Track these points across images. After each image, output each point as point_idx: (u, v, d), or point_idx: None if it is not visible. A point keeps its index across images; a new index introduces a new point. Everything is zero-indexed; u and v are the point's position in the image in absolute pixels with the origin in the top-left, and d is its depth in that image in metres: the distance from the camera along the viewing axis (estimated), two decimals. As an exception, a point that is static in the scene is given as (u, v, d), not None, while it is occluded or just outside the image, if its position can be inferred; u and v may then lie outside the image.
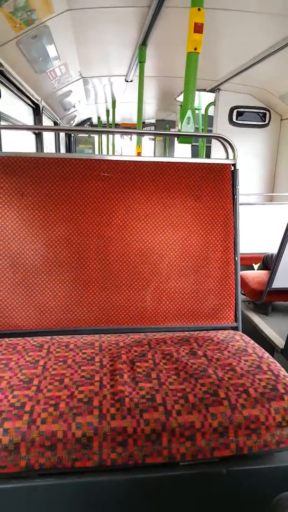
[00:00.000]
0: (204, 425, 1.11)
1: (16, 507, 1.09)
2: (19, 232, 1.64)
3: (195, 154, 7.32)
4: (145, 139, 9.71)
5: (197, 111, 5.68)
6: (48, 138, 6.11)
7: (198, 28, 1.95)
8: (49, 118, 5.45)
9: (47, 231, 1.66)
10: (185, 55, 2.04)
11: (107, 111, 7.87)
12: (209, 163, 1.76)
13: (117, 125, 8.88)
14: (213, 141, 4.87)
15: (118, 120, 8.62)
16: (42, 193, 1.65)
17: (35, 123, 4.33)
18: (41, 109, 4.28)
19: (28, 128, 3.73)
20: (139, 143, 4.55)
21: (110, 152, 9.55)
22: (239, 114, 4.66)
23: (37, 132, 4.50)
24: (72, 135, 9.48)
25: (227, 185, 1.77)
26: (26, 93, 3.56)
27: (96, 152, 10.14)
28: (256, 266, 3.88)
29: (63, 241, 1.67)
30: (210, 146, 5.04)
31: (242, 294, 2.89)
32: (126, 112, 7.95)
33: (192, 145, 6.74)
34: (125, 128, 9.38)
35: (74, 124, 8.34)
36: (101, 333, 1.64)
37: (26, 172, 1.63)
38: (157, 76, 4.51)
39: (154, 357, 1.40)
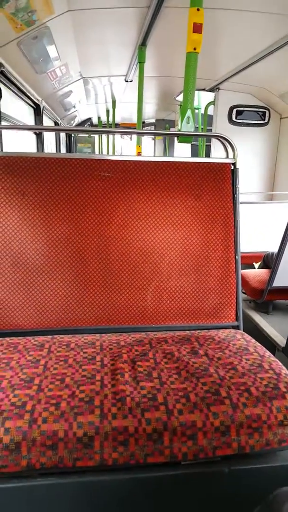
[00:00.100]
0: (206, 424, 1.11)
1: (17, 506, 1.09)
2: (20, 232, 1.64)
3: (195, 153, 7.33)
4: (145, 139, 9.71)
5: (196, 111, 5.68)
6: (49, 138, 6.12)
7: (197, 28, 1.96)
8: (49, 118, 5.46)
9: (48, 230, 1.66)
10: (184, 55, 2.05)
11: (107, 111, 7.88)
12: (209, 162, 1.76)
13: (117, 125, 8.89)
14: (213, 140, 4.87)
15: (118, 120, 8.63)
16: (43, 192, 1.65)
17: (35, 123, 4.34)
18: (41, 109, 4.29)
19: (29, 128, 3.74)
20: (139, 143, 4.55)
21: (110, 152, 9.56)
22: (239, 113, 4.66)
23: (37, 132, 4.50)
24: (73, 135, 9.50)
25: (227, 184, 1.77)
26: (27, 93, 3.56)
27: (97, 152, 10.15)
28: (256, 265, 3.88)
29: (63, 240, 1.67)
30: (210, 146, 5.04)
31: (243, 293, 2.89)
32: (126, 112, 7.96)
33: (192, 145, 6.75)
34: (125, 128, 9.39)
35: (74, 124, 8.35)
36: (102, 333, 1.64)
37: (27, 172, 1.63)
38: (157, 76, 4.52)
39: (155, 356, 1.40)
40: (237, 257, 1.78)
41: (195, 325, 1.77)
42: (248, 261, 3.84)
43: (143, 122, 8.33)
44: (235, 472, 1.15)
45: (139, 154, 4.48)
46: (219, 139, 1.82)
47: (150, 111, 7.72)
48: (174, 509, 1.17)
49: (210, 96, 4.98)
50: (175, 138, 7.13)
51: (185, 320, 1.77)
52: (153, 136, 9.57)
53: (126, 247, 1.71)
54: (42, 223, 1.65)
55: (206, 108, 5.41)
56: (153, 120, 8.74)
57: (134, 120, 8.42)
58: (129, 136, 10.97)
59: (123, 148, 11.79)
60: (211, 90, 4.64)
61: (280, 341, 2.39)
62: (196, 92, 3.63)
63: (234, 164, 1.77)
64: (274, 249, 2.69)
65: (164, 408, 1.13)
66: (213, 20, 2.45)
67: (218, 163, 1.76)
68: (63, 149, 8.20)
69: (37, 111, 4.27)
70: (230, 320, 1.80)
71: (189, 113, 2.05)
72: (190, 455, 1.10)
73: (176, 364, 1.34)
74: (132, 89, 4.89)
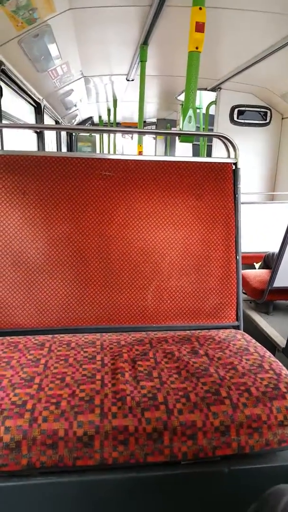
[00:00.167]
0: (206, 424, 1.11)
1: (17, 505, 1.09)
2: (20, 231, 1.64)
3: (196, 153, 7.31)
4: (147, 139, 9.70)
5: (198, 110, 5.67)
6: (50, 137, 6.12)
7: (200, 27, 1.96)
8: (50, 117, 5.46)
9: (49, 229, 1.66)
10: (186, 54, 2.04)
11: (108, 110, 7.87)
12: (210, 162, 1.76)
13: (118, 124, 8.88)
14: (214, 140, 4.86)
15: (119, 119, 8.62)
16: (44, 191, 1.65)
17: (36, 122, 4.33)
18: (42, 108, 4.28)
19: (29, 126, 3.74)
20: (140, 142, 4.55)
21: (111, 151, 9.55)
22: (240, 113, 4.65)
23: (38, 131, 4.50)
24: (74, 134, 9.49)
25: (228, 184, 1.77)
26: (28, 92, 3.56)
27: (98, 151, 10.14)
28: (257, 265, 3.88)
29: (64, 239, 1.67)
30: (211, 145, 5.04)
31: (243, 293, 2.89)
32: (127, 111, 7.95)
33: (193, 144, 6.74)
34: (126, 127, 9.38)
35: (75, 123, 8.34)
36: (102, 332, 1.64)
37: (27, 171, 1.63)
38: (159, 75, 4.51)
39: (156, 356, 1.40)
40: (237, 257, 1.78)
41: (196, 325, 1.77)
42: (249, 261, 3.84)
43: (144, 122, 8.32)
44: (235, 472, 1.15)
45: (140, 153, 4.48)
46: (220, 139, 1.81)
47: (151, 111, 7.71)
48: (174, 508, 1.17)
49: (211, 96, 4.98)
50: (176, 138, 7.12)
51: (185, 320, 1.77)
52: (154, 136, 9.56)
53: (127, 247, 1.71)
54: (42, 222, 1.65)
55: (207, 108, 5.40)
56: (154, 120, 8.74)
57: (135, 119, 8.42)
58: (130, 135, 10.95)
59: (124, 148, 11.77)
60: (212, 89, 4.63)
61: (281, 341, 2.39)
62: (198, 91, 3.62)
63: (235, 164, 1.77)
64: (275, 249, 2.69)
65: (164, 408, 1.13)
66: (215, 19, 2.44)
67: (219, 163, 1.76)
68: (64, 148, 8.19)
69: (38, 110, 4.26)
70: (230, 320, 1.80)
71: (190, 112, 2.05)
72: (190, 454, 1.10)
73: (176, 364, 1.34)
74: (133, 88, 4.89)
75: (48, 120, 5.21)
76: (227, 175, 1.76)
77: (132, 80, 4.68)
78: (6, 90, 3.05)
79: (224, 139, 1.78)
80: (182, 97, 5.18)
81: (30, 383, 1.21)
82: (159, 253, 1.73)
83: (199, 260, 1.76)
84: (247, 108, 4.62)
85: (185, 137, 2.09)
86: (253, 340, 1.56)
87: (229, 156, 1.80)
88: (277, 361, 1.39)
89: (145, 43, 3.31)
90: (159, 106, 7.20)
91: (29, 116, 4.25)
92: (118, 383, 1.22)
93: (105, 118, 8.80)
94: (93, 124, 9.62)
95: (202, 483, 1.17)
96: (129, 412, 1.11)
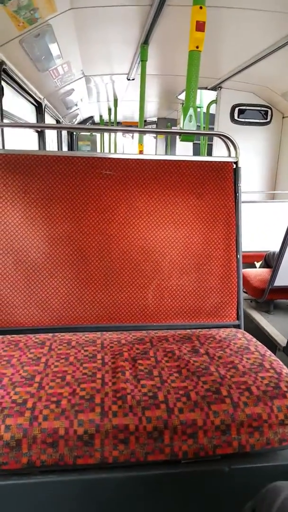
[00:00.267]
0: (206, 423, 1.11)
1: (17, 504, 1.10)
2: (21, 229, 1.64)
3: (196, 152, 7.31)
4: (147, 138, 9.70)
5: (198, 109, 5.67)
6: (51, 136, 6.12)
7: (200, 26, 1.95)
8: (51, 116, 5.46)
9: (50, 228, 1.66)
10: (187, 53, 2.04)
11: (109, 109, 7.87)
12: (211, 161, 1.76)
13: (119, 124, 8.88)
14: (215, 139, 4.86)
15: (120, 118, 8.61)
16: (45, 190, 1.65)
17: (37, 122, 4.34)
18: (43, 107, 4.28)
19: (30, 126, 3.74)
20: (141, 141, 4.55)
21: (112, 151, 9.55)
22: (241, 112, 4.65)
23: (39, 130, 4.50)
24: (74, 133, 9.49)
25: (229, 183, 1.76)
26: (29, 91, 3.56)
27: (98, 150, 10.14)
28: (258, 264, 3.88)
29: (65, 238, 1.67)
30: (212, 145, 5.03)
31: (244, 292, 2.89)
32: (128, 111, 7.95)
33: (193, 144, 6.73)
34: (127, 126, 9.37)
35: (76, 123, 8.34)
36: (103, 331, 1.64)
37: (29, 170, 1.63)
38: (159, 74, 4.51)
39: (156, 355, 1.40)
40: (238, 256, 1.78)
41: (196, 323, 1.77)
42: (250, 260, 3.84)
43: (145, 121, 8.32)
44: (235, 471, 1.15)
45: (141, 152, 4.48)
46: (221, 138, 1.81)
47: (152, 110, 7.71)
48: (174, 507, 1.18)
49: (212, 95, 4.97)
50: (177, 137, 7.12)
51: (186, 319, 1.77)
52: (154, 135, 9.56)
53: (128, 245, 1.71)
54: (43, 221, 1.66)
55: (208, 107, 5.40)
56: (155, 119, 8.73)
57: (136, 118, 8.42)
58: (131, 135, 10.95)
59: (125, 147, 11.77)
60: (213, 88, 4.63)
61: (281, 340, 2.39)
62: (198, 90, 3.62)
63: (236, 163, 1.77)
64: (276, 248, 2.69)
65: (165, 407, 1.13)
66: (215, 18, 2.44)
67: (220, 161, 1.76)
68: (65, 148, 8.19)
69: (39, 109, 4.27)
70: (231, 319, 1.80)
71: (191, 111, 2.05)
72: (191, 453, 1.10)
73: (177, 363, 1.34)
74: (134, 88, 4.89)
75: (49, 120, 5.21)
76: (228, 174, 1.76)
77: (133, 79, 4.68)
78: (7, 90, 3.05)
79: (225, 138, 1.78)
80: (182, 96, 5.18)
81: (31, 381, 1.21)
82: (159, 252, 1.73)
83: (200, 259, 1.76)
84: (247, 107, 4.62)
85: (186, 136, 2.09)
86: (254, 339, 1.56)
87: (229, 155, 1.80)
88: (277, 360, 1.39)
89: (145, 42, 3.31)
90: (159, 105, 7.20)
91: (30, 116, 4.25)
92: (119, 381, 1.22)
93: (106, 117, 8.80)
94: (94, 123, 9.62)
95: (203, 482, 1.17)
96: (129, 411, 1.11)
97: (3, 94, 2.73)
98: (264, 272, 2.94)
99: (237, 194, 1.77)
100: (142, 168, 1.70)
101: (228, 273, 1.78)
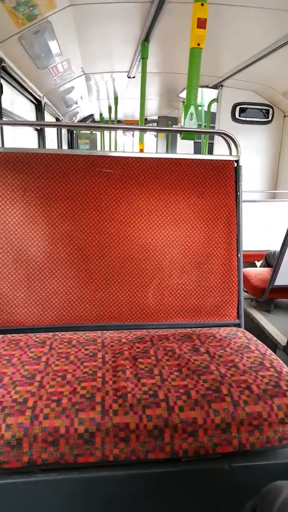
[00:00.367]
0: (207, 421, 1.11)
1: (18, 502, 1.10)
2: (21, 228, 1.64)
3: (197, 151, 7.30)
4: (148, 137, 9.68)
5: (199, 108, 5.65)
6: (50, 135, 6.11)
7: (201, 23, 1.94)
8: (51, 114, 5.44)
9: (50, 227, 1.66)
10: (188, 51, 2.03)
11: (109, 107, 7.85)
12: (212, 160, 1.75)
13: (119, 122, 8.86)
14: (216, 138, 4.85)
15: (120, 116, 8.59)
16: (44, 189, 1.64)
17: (37, 120, 4.32)
18: (43, 105, 4.27)
19: (30, 124, 3.73)
20: (141, 140, 4.54)
21: (113, 149, 9.53)
22: (242, 110, 4.64)
23: (39, 128, 4.49)
24: (74, 132, 9.47)
25: (230, 181, 1.76)
26: (28, 89, 3.55)
27: (99, 149, 10.12)
28: (258, 264, 3.88)
29: (65, 237, 1.67)
30: (213, 143, 5.02)
31: (245, 291, 2.89)
32: (129, 109, 7.93)
33: (194, 142, 6.71)
34: (127, 125, 9.35)
35: (76, 121, 8.32)
36: (103, 330, 1.64)
37: (28, 168, 1.62)
38: (160, 72, 4.49)
39: (157, 354, 1.40)
40: (239, 255, 1.78)
41: (197, 322, 1.77)
42: (250, 259, 3.84)
43: (146, 119, 8.30)
44: (235, 469, 1.15)
45: (141, 151, 4.46)
46: (222, 136, 1.80)
47: (152, 108, 7.68)
48: (174, 505, 1.18)
49: (213, 93, 4.96)
50: (178, 135, 7.10)
51: (186, 318, 1.77)
52: (155, 133, 9.54)
53: (128, 244, 1.71)
54: (43, 219, 1.65)
55: (209, 106, 5.38)
56: (155, 117, 8.71)
57: (137, 117, 8.39)
58: (131, 133, 10.93)
59: (125, 146, 11.74)
60: (214, 87, 4.61)
61: (281, 339, 2.39)
62: (199, 89, 3.60)
63: (237, 161, 1.76)
64: (276, 247, 2.68)
65: (165, 405, 1.13)
66: (217, 15, 2.43)
67: (221, 160, 1.75)
68: (65, 146, 8.18)
69: (39, 107, 4.25)
70: (231, 318, 1.80)
71: (192, 109, 2.04)
72: (191, 452, 1.11)
73: (177, 362, 1.34)
74: (134, 86, 4.87)
75: (48, 118, 5.20)
76: (229, 172, 1.76)
77: (133, 77, 4.66)
78: (6, 88, 3.04)
79: (226, 137, 1.77)
80: (183, 95, 5.16)
81: (31, 380, 1.21)
82: (160, 250, 1.73)
83: (200, 258, 1.76)
84: (249, 106, 4.61)
85: (187, 134, 2.08)
86: (254, 338, 1.56)
87: (230, 154, 1.80)
88: (278, 359, 1.39)
89: (146, 40, 3.29)
90: (160, 104, 7.17)
91: (29, 114, 4.24)
92: (119, 380, 1.22)
93: (106, 115, 8.78)
94: (94, 121, 9.60)
95: (203, 480, 1.17)
96: (130, 410, 1.11)
97: (2, 92, 2.72)
98: (265, 272, 2.94)
99: (238, 193, 1.76)
100: (143, 166, 1.70)
101: (228, 272, 1.78)
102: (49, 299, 1.67)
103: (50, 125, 5.04)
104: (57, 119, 5.95)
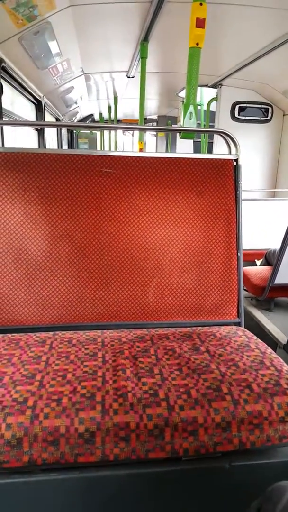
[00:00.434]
0: (207, 420, 1.12)
1: (18, 502, 1.10)
2: (21, 228, 1.64)
3: (197, 150, 7.29)
4: (148, 136, 9.68)
5: (199, 107, 5.65)
6: (50, 135, 6.11)
7: (200, 23, 1.95)
8: (51, 114, 5.44)
9: (50, 226, 1.66)
10: (187, 50, 2.03)
11: (109, 107, 7.85)
12: (211, 159, 1.75)
13: (119, 121, 8.86)
14: (215, 137, 4.85)
15: (120, 116, 8.59)
16: (45, 188, 1.65)
17: (37, 120, 4.32)
18: (43, 105, 4.27)
19: (30, 124, 3.73)
20: (141, 139, 4.54)
21: (112, 148, 9.53)
22: (241, 109, 4.64)
23: (39, 128, 4.49)
24: (74, 131, 9.47)
25: (229, 180, 1.76)
26: (28, 89, 3.55)
27: (98, 148, 10.13)
28: (258, 262, 3.88)
29: (65, 236, 1.67)
30: (212, 142, 5.02)
31: (245, 290, 2.89)
32: (128, 108, 7.93)
33: (194, 141, 6.72)
34: (127, 124, 9.35)
35: (76, 121, 8.33)
36: (103, 329, 1.64)
37: (28, 168, 1.63)
38: (159, 71, 4.49)
39: (157, 353, 1.40)
40: (239, 254, 1.78)
41: (197, 321, 1.77)
42: (250, 258, 3.84)
43: (145, 119, 8.30)
44: (236, 468, 1.15)
45: (141, 150, 4.46)
46: (221, 135, 1.81)
47: (152, 108, 7.69)
48: (175, 504, 1.18)
49: (212, 93, 4.96)
50: (177, 135, 7.09)
51: (186, 317, 1.77)
52: (155, 133, 9.54)
53: (128, 243, 1.71)
54: (43, 219, 1.65)
55: (208, 105, 5.38)
56: (155, 117, 8.71)
57: (136, 116, 8.40)
58: (131, 133, 10.93)
59: (125, 145, 11.75)
60: (213, 86, 4.61)
61: (282, 338, 2.39)
62: (199, 88, 3.61)
63: (236, 160, 1.76)
64: (276, 246, 2.68)
65: (166, 404, 1.13)
66: (216, 15, 2.43)
67: (220, 159, 1.75)
68: (65, 146, 8.18)
69: (39, 107, 4.25)
70: (231, 317, 1.80)
71: (191, 108, 2.04)
72: (191, 451, 1.11)
73: (177, 361, 1.34)
74: (134, 85, 4.87)
75: (48, 118, 5.20)
76: (228, 171, 1.76)
77: (133, 77, 4.66)
78: (6, 88, 3.04)
79: (225, 136, 1.78)
80: (183, 94, 5.16)
81: (31, 380, 1.21)
82: (160, 249, 1.73)
83: (200, 257, 1.76)
84: (248, 105, 4.61)
85: (186, 133, 2.09)
86: (254, 337, 1.56)
87: (230, 153, 1.80)
88: (278, 357, 1.39)
89: (145, 39, 3.29)
90: (160, 103, 7.18)
91: (30, 114, 4.24)
92: (119, 379, 1.22)
93: (105, 115, 8.78)
94: (93, 121, 9.60)
95: (203, 479, 1.18)
96: (130, 409, 1.11)
97: (2, 92, 2.72)
98: (265, 270, 2.94)
99: (238, 192, 1.77)
100: (142, 165, 1.70)
101: (228, 271, 1.78)
102: (49, 299, 1.67)
103: (50, 125, 5.04)
104: (57, 119, 5.95)
